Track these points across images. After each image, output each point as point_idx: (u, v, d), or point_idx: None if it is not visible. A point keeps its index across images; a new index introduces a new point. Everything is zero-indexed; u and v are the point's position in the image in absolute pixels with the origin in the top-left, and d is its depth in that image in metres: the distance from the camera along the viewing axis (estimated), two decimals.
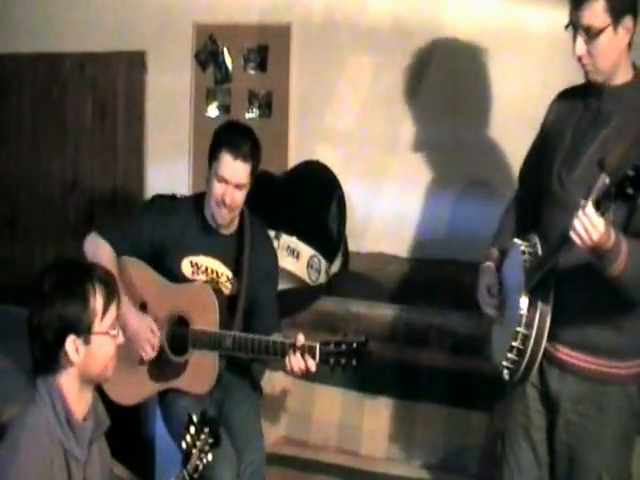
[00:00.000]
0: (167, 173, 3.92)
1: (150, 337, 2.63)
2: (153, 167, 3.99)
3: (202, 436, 2.04)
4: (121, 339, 1.96)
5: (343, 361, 2.39)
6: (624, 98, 2.11)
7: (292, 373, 2.50)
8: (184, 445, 2.04)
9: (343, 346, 2.39)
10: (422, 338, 3.12)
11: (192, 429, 2.04)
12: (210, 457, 2.05)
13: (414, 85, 3.46)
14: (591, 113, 2.17)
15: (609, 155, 1.98)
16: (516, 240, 2.28)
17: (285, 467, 2.98)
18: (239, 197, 2.65)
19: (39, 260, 4.10)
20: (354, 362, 2.38)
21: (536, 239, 2.23)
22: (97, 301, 1.88)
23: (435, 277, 3.33)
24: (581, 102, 2.22)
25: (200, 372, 2.63)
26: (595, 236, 1.86)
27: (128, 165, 4.01)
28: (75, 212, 4.09)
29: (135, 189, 3.99)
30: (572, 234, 1.88)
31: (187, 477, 2.02)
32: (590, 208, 1.84)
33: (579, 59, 2.10)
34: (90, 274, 1.91)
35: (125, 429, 2.21)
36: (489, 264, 2.39)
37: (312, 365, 2.44)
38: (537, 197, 2.32)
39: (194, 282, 2.73)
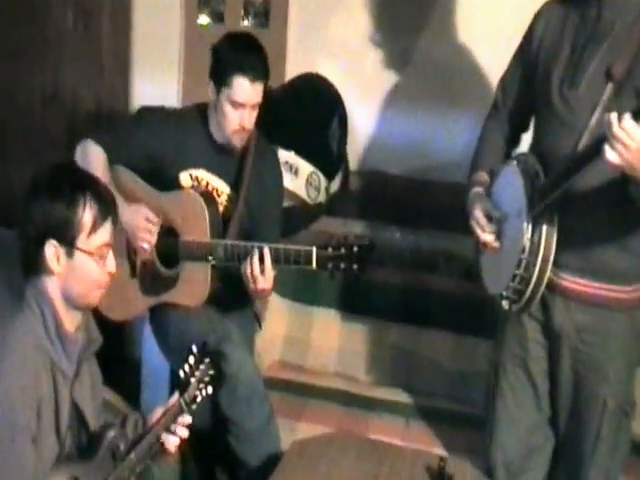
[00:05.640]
0: (155, 86, 3.67)
1: (148, 225, 2.50)
2: (140, 79, 3.75)
3: (201, 367, 1.99)
4: (111, 268, 1.86)
5: (343, 265, 2.23)
6: (626, 2, 1.99)
7: (252, 284, 2.35)
8: (182, 374, 1.97)
9: (342, 249, 2.23)
10: (430, 263, 3.01)
11: (191, 359, 1.98)
12: (210, 390, 1.99)
13: None
14: (590, 24, 2.03)
15: (616, 64, 1.94)
16: (512, 162, 2.14)
17: (281, 391, 2.86)
18: (255, 116, 2.55)
19: (17, 177, 3.87)
20: (355, 267, 2.22)
21: (535, 160, 2.09)
22: (85, 215, 1.79)
23: (445, 200, 3.13)
24: (576, 12, 2.06)
25: (192, 285, 2.53)
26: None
27: (113, 76, 3.76)
28: (56, 125, 3.83)
29: (120, 102, 3.76)
30: (608, 153, 1.69)
31: (184, 406, 1.95)
32: (629, 120, 1.66)
33: None
34: (84, 185, 1.82)
35: (110, 350, 2.11)
36: (479, 190, 2.23)
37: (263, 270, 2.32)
38: (522, 114, 2.25)
39: (184, 190, 2.59)
